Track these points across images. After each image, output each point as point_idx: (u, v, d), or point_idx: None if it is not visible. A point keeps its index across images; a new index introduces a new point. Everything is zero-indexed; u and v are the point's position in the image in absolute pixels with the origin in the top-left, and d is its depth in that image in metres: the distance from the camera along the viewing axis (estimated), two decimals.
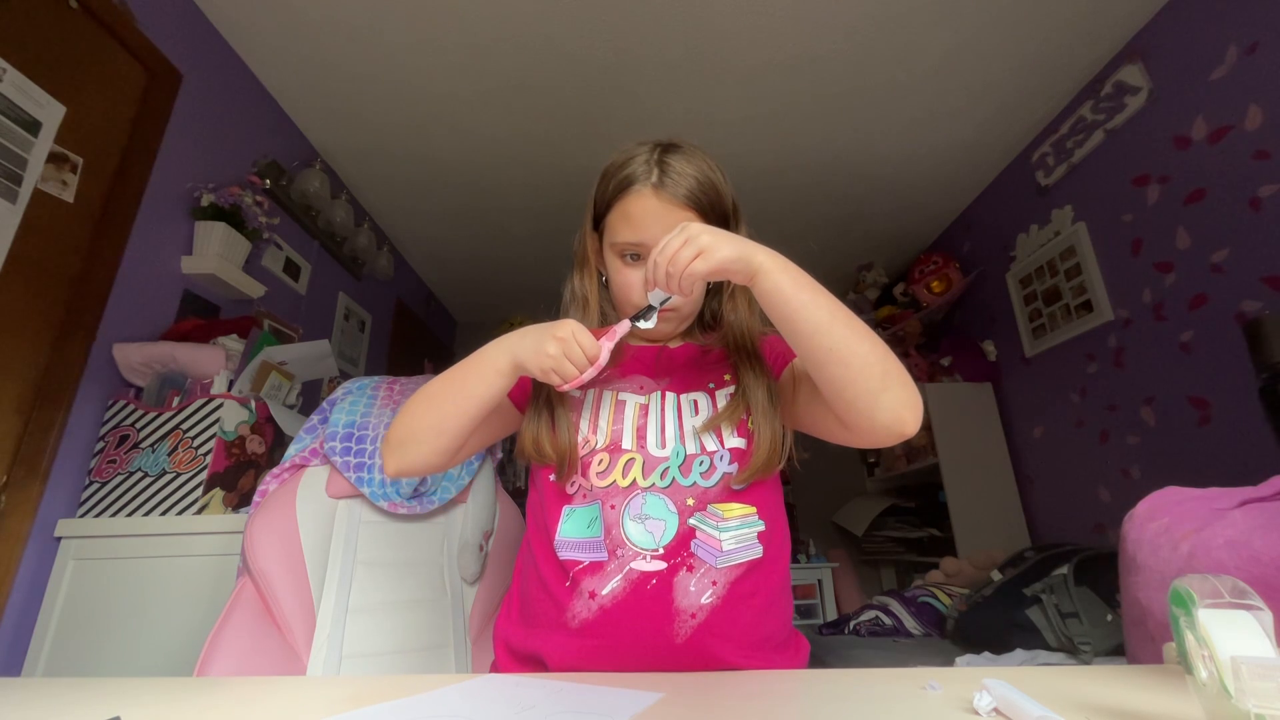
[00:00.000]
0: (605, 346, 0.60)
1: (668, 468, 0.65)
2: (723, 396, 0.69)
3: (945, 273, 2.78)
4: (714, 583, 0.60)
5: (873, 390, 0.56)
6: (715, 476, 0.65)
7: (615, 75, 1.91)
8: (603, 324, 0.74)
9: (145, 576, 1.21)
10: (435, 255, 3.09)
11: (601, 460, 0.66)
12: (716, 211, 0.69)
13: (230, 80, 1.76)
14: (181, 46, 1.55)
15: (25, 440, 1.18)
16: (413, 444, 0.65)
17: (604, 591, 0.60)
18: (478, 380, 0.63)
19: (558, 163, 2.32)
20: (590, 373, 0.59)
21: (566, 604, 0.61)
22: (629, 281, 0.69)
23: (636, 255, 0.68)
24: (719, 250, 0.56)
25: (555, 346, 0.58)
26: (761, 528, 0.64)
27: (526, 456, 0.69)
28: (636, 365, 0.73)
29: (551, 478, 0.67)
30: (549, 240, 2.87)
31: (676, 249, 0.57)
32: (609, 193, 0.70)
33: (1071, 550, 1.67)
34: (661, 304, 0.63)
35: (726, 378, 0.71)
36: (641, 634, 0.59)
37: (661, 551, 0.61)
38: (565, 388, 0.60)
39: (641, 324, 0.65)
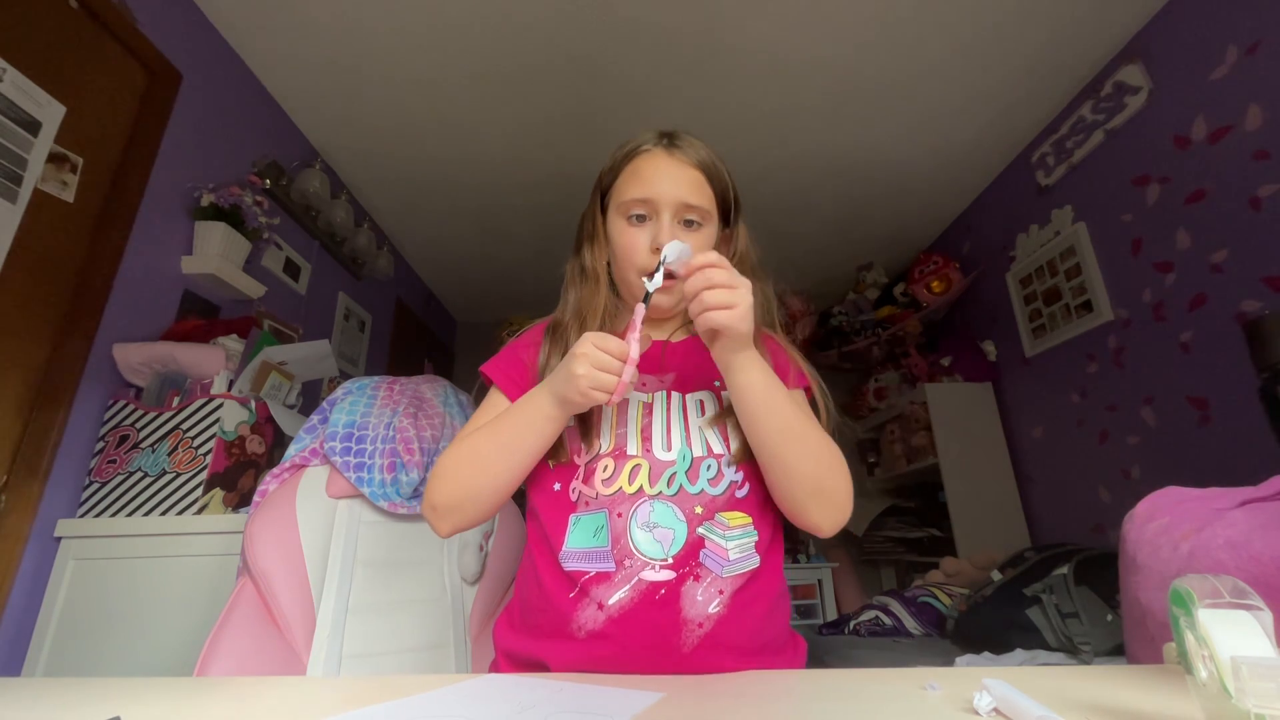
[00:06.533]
0: (631, 339, 0.58)
1: (674, 473, 0.64)
2: (729, 397, 0.68)
3: (945, 273, 2.78)
4: (720, 592, 0.60)
5: (798, 499, 0.63)
6: (723, 484, 0.64)
7: (616, 76, 1.91)
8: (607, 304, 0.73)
9: (145, 576, 1.21)
10: (435, 255, 3.09)
11: (606, 466, 0.65)
12: (720, 189, 0.71)
13: (230, 80, 1.76)
14: (181, 46, 1.55)
15: (25, 440, 1.18)
16: (471, 506, 0.65)
17: (611, 601, 0.59)
18: (528, 431, 0.63)
19: (557, 163, 2.32)
20: (629, 371, 0.57)
21: (572, 614, 0.60)
22: (633, 243, 0.68)
23: (642, 216, 0.68)
24: (743, 324, 0.57)
25: (581, 364, 0.57)
26: (757, 538, 0.64)
27: None
28: (638, 361, 0.72)
29: (555, 486, 0.66)
30: (549, 240, 2.87)
31: (724, 280, 0.56)
32: (618, 161, 0.72)
33: (1072, 550, 1.67)
34: (663, 263, 0.61)
35: None
36: (648, 643, 0.58)
37: (670, 561, 0.60)
38: (615, 398, 0.58)
39: (649, 286, 0.61)
